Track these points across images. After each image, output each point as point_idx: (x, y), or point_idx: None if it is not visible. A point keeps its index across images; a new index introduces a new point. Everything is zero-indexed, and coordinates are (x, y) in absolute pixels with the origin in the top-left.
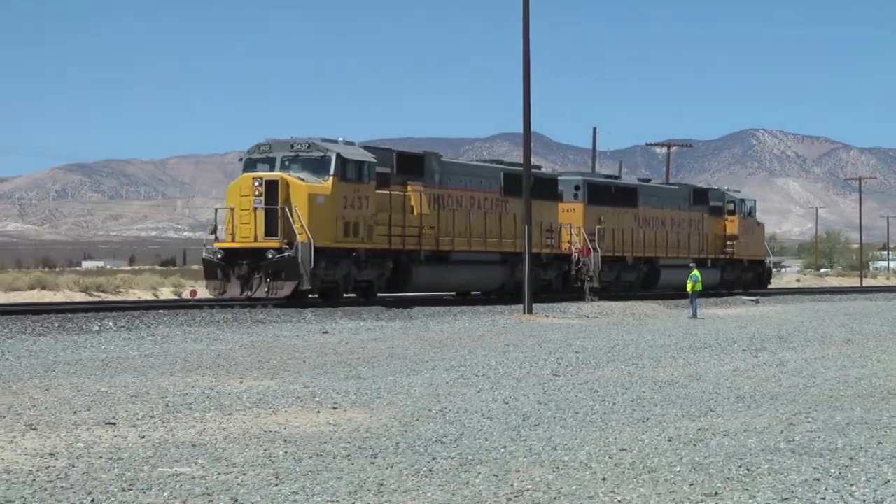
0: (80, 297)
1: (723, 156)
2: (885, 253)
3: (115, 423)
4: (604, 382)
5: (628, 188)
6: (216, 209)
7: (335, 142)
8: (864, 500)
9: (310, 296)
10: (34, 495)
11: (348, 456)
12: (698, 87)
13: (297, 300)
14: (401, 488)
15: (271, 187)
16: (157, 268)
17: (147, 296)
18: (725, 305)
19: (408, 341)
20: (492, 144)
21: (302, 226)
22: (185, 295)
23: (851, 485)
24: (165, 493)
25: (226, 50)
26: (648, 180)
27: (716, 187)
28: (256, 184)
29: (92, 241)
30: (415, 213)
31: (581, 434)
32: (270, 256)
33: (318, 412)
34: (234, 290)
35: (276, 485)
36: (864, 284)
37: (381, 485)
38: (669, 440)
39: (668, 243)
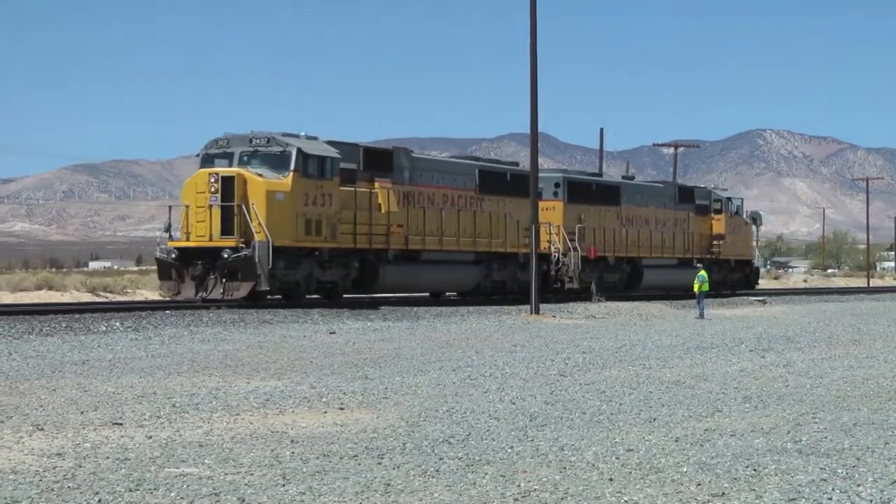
0: (87, 297)
1: (730, 156)
2: (893, 253)
3: (122, 424)
4: (611, 383)
5: (610, 186)
6: (170, 207)
7: (296, 136)
8: (871, 501)
9: (269, 297)
10: (41, 495)
11: (355, 456)
12: (705, 88)
13: (254, 302)
14: (408, 489)
15: (227, 184)
16: None
17: (154, 296)
18: (732, 306)
19: (415, 342)
20: (499, 145)
21: (260, 224)
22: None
23: (858, 485)
24: (172, 494)
25: (230, 50)
26: (632, 178)
27: (702, 185)
28: (212, 180)
29: (99, 242)
30: (382, 210)
31: (588, 434)
32: (226, 256)
33: (325, 412)
34: (188, 291)
35: (284, 485)
36: (871, 285)
37: (388, 485)
38: (676, 440)
39: (652, 243)
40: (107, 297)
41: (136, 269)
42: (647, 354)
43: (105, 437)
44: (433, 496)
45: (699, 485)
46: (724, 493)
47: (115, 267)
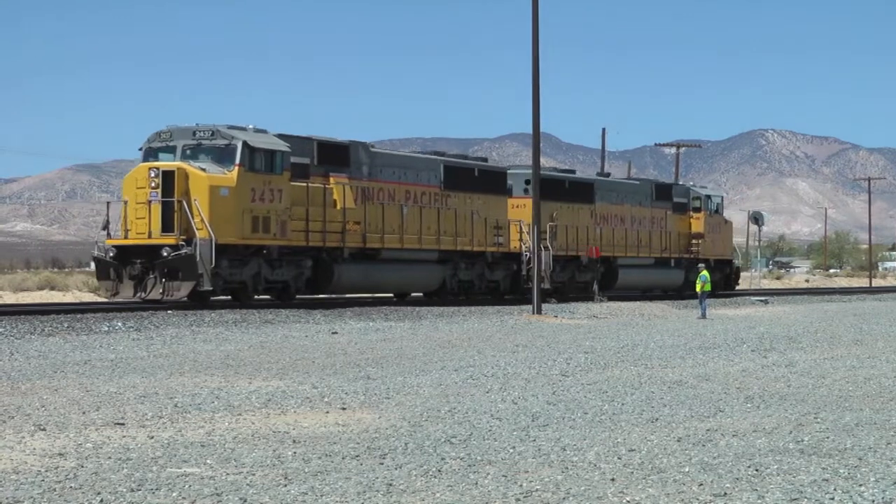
0: (89, 297)
1: (732, 156)
2: (895, 253)
3: (124, 424)
4: (613, 383)
5: (584, 183)
6: (108, 203)
7: (243, 129)
8: (874, 501)
9: (212, 297)
10: (43, 495)
11: (357, 456)
12: (707, 88)
13: (197, 302)
14: (410, 489)
15: (168, 178)
16: None
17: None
18: (734, 306)
19: (417, 342)
20: (501, 145)
21: (202, 220)
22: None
23: (860, 485)
24: (174, 494)
25: (230, 50)
26: (608, 175)
27: (680, 182)
28: (152, 174)
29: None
30: (338, 207)
31: (590, 434)
32: (166, 254)
33: (328, 412)
34: (126, 291)
35: (286, 485)
36: (873, 285)
37: (390, 485)
38: (678, 440)
39: (628, 242)
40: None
41: None
42: (648, 354)
43: (107, 437)
44: (435, 496)
45: (701, 485)
46: (726, 493)
47: None
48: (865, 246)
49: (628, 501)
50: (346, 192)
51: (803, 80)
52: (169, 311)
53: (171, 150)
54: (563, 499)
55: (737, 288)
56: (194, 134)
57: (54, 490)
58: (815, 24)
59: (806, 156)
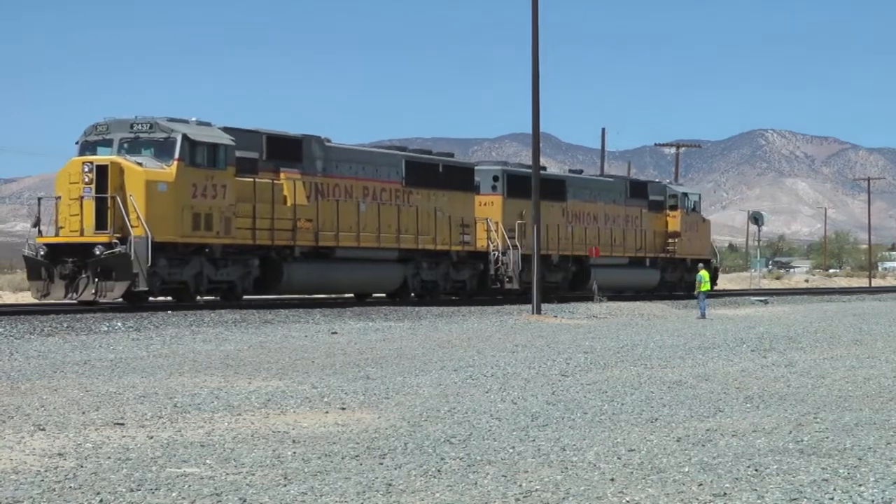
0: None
1: (731, 156)
2: (894, 253)
3: (123, 424)
4: (612, 383)
5: (555, 180)
6: (39, 198)
7: (185, 122)
8: (873, 501)
9: (150, 298)
10: (42, 495)
11: (357, 456)
12: (707, 88)
13: (134, 303)
14: (409, 489)
15: (102, 173)
16: None
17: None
18: (734, 306)
19: (416, 342)
20: (501, 145)
21: (138, 217)
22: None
23: (860, 485)
24: (174, 494)
25: (228, 50)
26: (580, 172)
27: (656, 180)
28: (86, 169)
29: None
30: (288, 203)
31: (590, 434)
32: (98, 253)
33: (327, 412)
34: (58, 291)
35: (285, 485)
36: (872, 285)
37: (390, 485)
38: (678, 440)
39: (601, 240)
40: None
41: None
42: (648, 354)
43: (106, 437)
44: (435, 496)
45: (701, 485)
46: (725, 493)
47: None
48: (865, 246)
49: (628, 501)
50: (298, 187)
51: (803, 79)
52: (169, 312)
53: (108, 143)
54: (563, 499)
55: (715, 289)
56: (132, 127)
57: (54, 490)
58: (814, 24)
59: (806, 156)
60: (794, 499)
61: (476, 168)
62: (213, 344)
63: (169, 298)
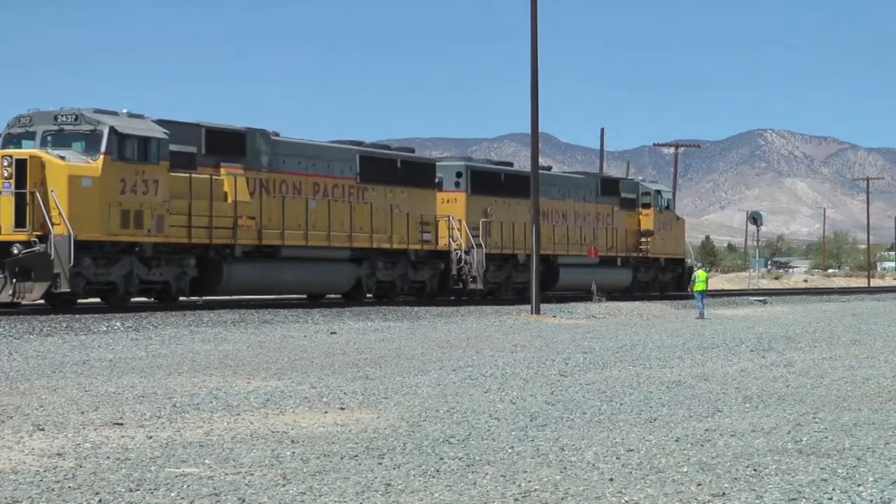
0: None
1: (730, 156)
2: (893, 253)
3: (122, 424)
4: (611, 383)
5: (521, 176)
6: None
7: (114, 114)
8: (872, 501)
9: (78, 300)
10: (41, 495)
11: (356, 456)
12: (706, 88)
13: (58, 305)
14: (408, 489)
15: (21, 167)
16: None
17: None
18: (733, 306)
19: (415, 342)
20: (500, 145)
21: (60, 214)
22: None
23: (859, 485)
24: (173, 494)
25: (227, 49)
26: (549, 168)
27: (629, 177)
28: (5, 163)
29: None
30: (229, 200)
31: (588, 434)
32: (16, 252)
33: (326, 412)
34: None
35: (284, 485)
36: (871, 285)
37: (389, 485)
38: (677, 440)
39: (570, 239)
40: None
41: None
42: (647, 354)
43: (105, 437)
44: (433, 496)
45: (700, 485)
46: (724, 493)
47: None
48: (864, 246)
49: (627, 501)
50: (240, 183)
51: (802, 79)
52: (168, 312)
53: (31, 136)
54: (562, 499)
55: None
56: (56, 119)
57: (53, 490)
58: (813, 24)
59: (804, 156)
60: (793, 499)
61: (438, 164)
62: (211, 344)
63: (97, 300)
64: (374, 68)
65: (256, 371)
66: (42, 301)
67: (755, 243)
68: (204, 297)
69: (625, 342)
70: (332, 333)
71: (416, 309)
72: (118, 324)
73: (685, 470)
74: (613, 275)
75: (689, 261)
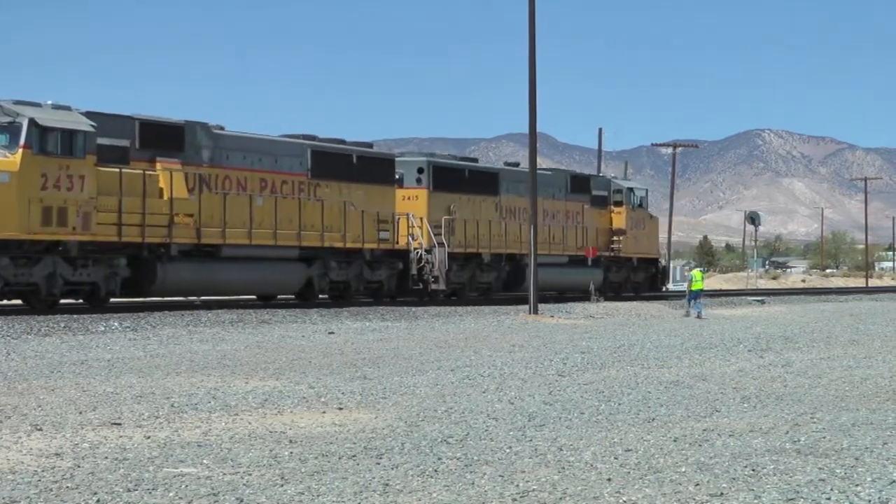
0: None
1: (728, 156)
2: (891, 253)
3: (120, 424)
4: (609, 383)
5: (487, 173)
6: None
7: (37, 105)
8: (870, 501)
9: (2, 302)
10: (39, 495)
11: (354, 456)
12: (704, 88)
13: None
14: (406, 489)
15: None
16: None
17: None
18: (731, 306)
19: (413, 342)
20: (497, 145)
21: None
22: None
23: (857, 485)
24: (171, 494)
25: (223, 48)
26: (516, 164)
27: (600, 174)
28: None
29: None
30: (164, 197)
31: (586, 434)
32: None
33: (324, 412)
34: None
35: (282, 485)
36: (869, 285)
37: (387, 485)
38: (675, 440)
39: (538, 238)
40: None
41: None
42: (645, 354)
43: (103, 437)
44: (431, 496)
45: (697, 485)
46: (722, 493)
47: None
48: (862, 246)
49: (625, 501)
50: (177, 179)
51: (800, 79)
52: (165, 312)
53: None
54: (560, 499)
55: (664, 289)
56: None
57: (51, 490)
58: (812, 24)
59: (802, 156)
60: (791, 499)
61: (399, 159)
62: (209, 344)
63: (18, 302)
64: (371, 68)
65: (254, 371)
66: None
67: (753, 243)
68: (138, 299)
69: (623, 342)
70: (329, 333)
71: (413, 309)
72: (116, 324)
73: (683, 470)
74: (584, 275)
75: (662, 260)
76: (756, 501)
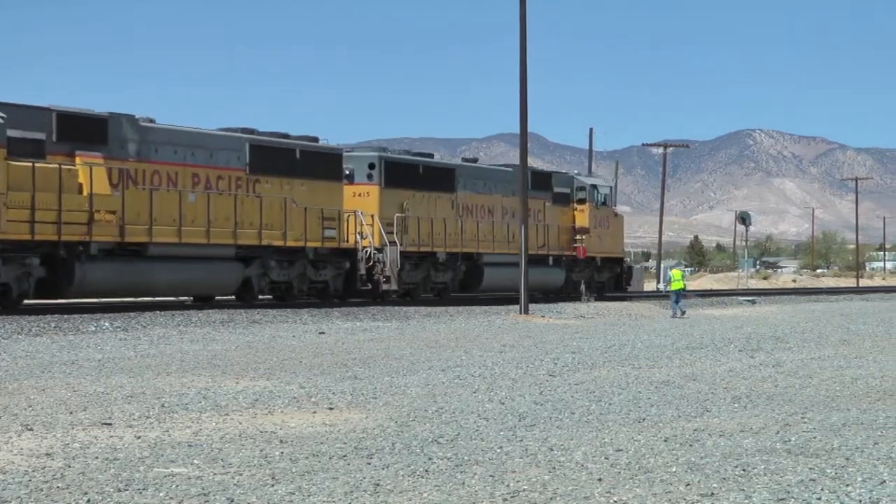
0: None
1: (719, 156)
2: (882, 253)
3: (111, 424)
4: (600, 383)
5: (443, 169)
6: None
7: None
8: (860, 501)
9: None
10: (30, 495)
11: (344, 456)
12: (695, 88)
13: None
14: (397, 488)
15: None
16: None
17: None
18: (722, 306)
19: (404, 342)
20: (489, 145)
21: None
22: None
23: (847, 485)
24: (161, 494)
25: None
26: (475, 160)
27: (563, 171)
28: None
29: None
30: (84, 192)
31: (577, 434)
32: None
33: (315, 412)
34: None
35: (273, 485)
36: (860, 285)
37: (378, 485)
38: (665, 440)
39: (496, 236)
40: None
41: None
42: (636, 354)
43: (94, 437)
44: (422, 496)
45: (688, 485)
46: (713, 493)
47: None
48: (853, 246)
49: (615, 501)
50: (98, 174)
51: (791, 79)
52: (156, 312)
53: None
54: (551, 499)
55: (629, 289)
56: None
57: (41, 490)
58: (803, 24)
59: (793, 156)
60: (782, 499)
61: (349, 154)
62: (200, 344)
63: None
64: (362, 69)
65: (245, 371)
66: None
67: (744, 243)
68: (54, 301)
69: (613, 342)
70: (320, 333)
71: (404, 309)
72: (107, 324)
73: (674, 470)
74: (545, 275)
75: (627, 260)
76: (746, 501)
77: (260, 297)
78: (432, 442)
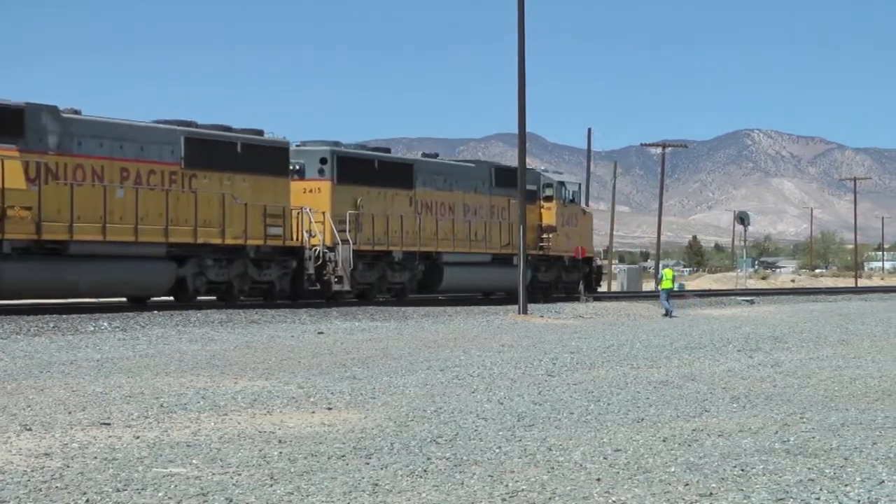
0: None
1: (718, 156)
2: (880, 253)
3: (109, 424)
4: (599, 383)
5: (400, 164)
6: None
7: None
8: (859, 501)
9: None
10: (29, 495)
11: (343, 456)
12: (693, 88)
13: None
14: (395, 489)
15: None
16: None
17: None
18: (720, 306)
19: (402, 342)
20: (487, 145)
21: None
22: None
23: (846, 485)
24: (160, 494)
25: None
26: (435, 156)
27: (529, 167)
28: None
29: None
30: None
31: (576, 434)
32: None
33: (313, 412)
34: None
35: (271, 485)
36: (859, 285)
37: (376, 485)
38: (664, 440)
39: (457, 235)
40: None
41: None
42: (634, 354)
43: (93, 437)
44: (421, 496)
45: (687, 485)
46: (711, 494)
47: None
48: (851, 246)
49: (614, 501)
50: (11, 168)
51: (789, 79)
52: (155, 312)
53: None
54: (549, 499)
55: (599, 290)
56: None
57: (40, 490)
58: (802, 24)
59: (792, 156)
60: (781, 499)
61: (298, 149)
62: (199, 344)
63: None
64: (359, 69)
65: (244, 371)
66: None
67: (742, 243)
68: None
69: (612, 342)
70: (319, 333)
71: (403, 309)
72: (105, 324)
73: (672, 470)
74: (509, 274)
75: (597, 259)
76: (745, 501)
77: (198, 297)
78: (431, 442)
